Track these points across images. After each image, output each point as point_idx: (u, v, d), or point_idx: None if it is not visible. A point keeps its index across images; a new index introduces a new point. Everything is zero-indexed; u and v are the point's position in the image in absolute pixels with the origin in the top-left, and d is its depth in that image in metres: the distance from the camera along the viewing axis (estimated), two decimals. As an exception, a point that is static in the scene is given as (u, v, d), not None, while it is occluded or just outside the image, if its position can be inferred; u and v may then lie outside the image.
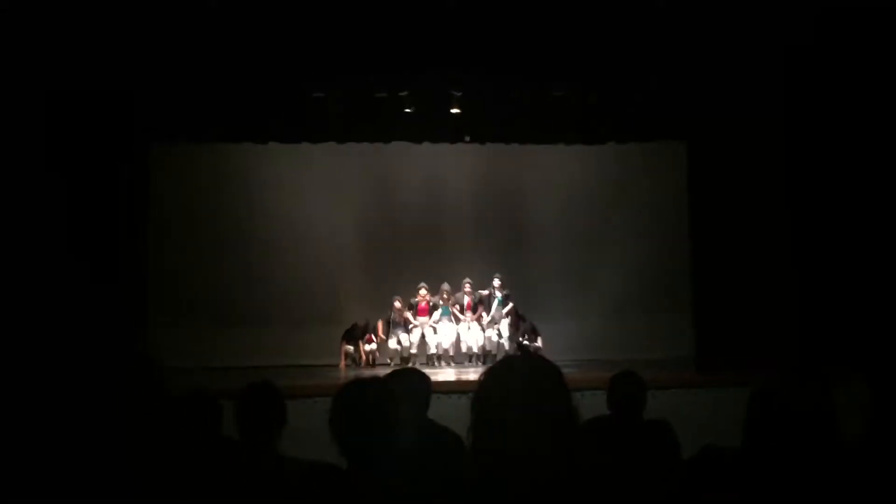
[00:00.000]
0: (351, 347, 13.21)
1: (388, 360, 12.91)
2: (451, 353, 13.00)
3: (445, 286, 13.10)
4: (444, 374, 11.72)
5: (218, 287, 13.95)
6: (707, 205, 12.35)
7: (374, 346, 13.08)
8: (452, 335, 12.91)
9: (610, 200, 14.77)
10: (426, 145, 12.92)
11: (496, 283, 13.16)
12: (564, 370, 2.10)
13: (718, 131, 11.92)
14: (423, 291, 12.98)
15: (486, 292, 13.14)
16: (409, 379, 4.09)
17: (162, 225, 13.18)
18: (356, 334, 13.24)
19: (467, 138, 12.76)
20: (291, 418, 3.34)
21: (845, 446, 2.46)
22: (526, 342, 12.93)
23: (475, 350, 12.92)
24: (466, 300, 12.99)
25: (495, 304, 13.04)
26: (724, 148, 11.99)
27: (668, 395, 8.90)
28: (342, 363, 13.08)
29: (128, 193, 11.38)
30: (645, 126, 12.37)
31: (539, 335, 13.16)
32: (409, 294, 13.37)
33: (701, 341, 12.28)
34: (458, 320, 12.93)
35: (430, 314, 12.92)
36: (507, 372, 1.99)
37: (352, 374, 11.71)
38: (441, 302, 13.01)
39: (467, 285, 13.12)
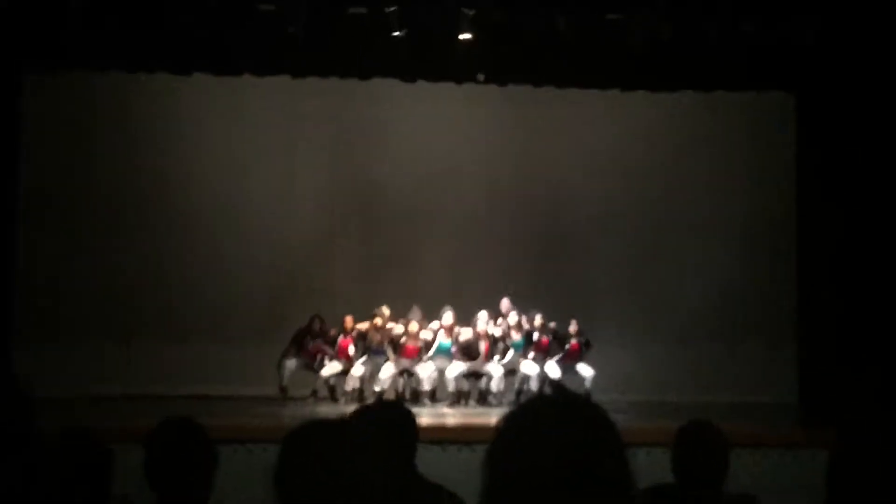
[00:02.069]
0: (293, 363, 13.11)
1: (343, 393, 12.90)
2: (463, 388, 12.95)
3: (448, 315, 12.91)
4: (443, 417, 11.75)
5: (113, 286, 13.96)
6: (824, 186, 12.38)
7: (336, 365, 12.96)
8: (458, 367, 12.87)
9: (685, 176, 14.78)
10: (421, 85, 12.91)
11: (512, 320, 13.03)
12: (616, 416, 2.12)
13: (842, 80, 11.94)
14: (413, 325, 12.81)
15: (499, 333, 13.08)
16: (387, 418, 4.11)
17: (35, 196, 13.18)
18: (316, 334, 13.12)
19: (481, 77, 12.76)
20: (220, 472, 3.36)
21: None
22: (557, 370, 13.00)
23: (494, 388, 12.91)
24: (483, 346, 12.87)
25: (510, 353, 12.98)
26: (849, 104, 12.01)
27: (758, 456, 8.94)
28: (282, 382, 12.99)
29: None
30: (737, 69, 12.38)
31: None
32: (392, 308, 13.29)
33: (807, 384, 12.32)
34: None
35: (420, 356, 12.85)
36: (536, 417, 1.99)
37: (305, 409, 11.74)
38: (438, 335, 12.93)
39: (481, 321, 12.98)
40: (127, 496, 3.33)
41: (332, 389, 13.09)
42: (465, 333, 12.99)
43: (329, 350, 13.10)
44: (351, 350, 13.03)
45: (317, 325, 13.21)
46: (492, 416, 11.03)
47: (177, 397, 12.39)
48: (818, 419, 10.91)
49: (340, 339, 13.09)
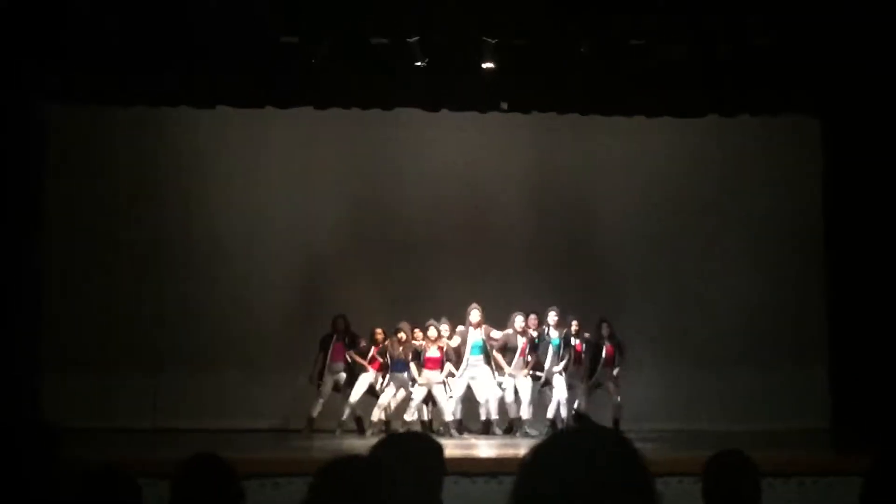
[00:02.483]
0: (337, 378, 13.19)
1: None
2: (492, 417, 12.94)
3: (475, 312, 12.97)
4: (472, 448, 11.72)
5: (135, 316, 14.01)
6: (851, 208, 12.33)
7: (366, 378, 12.96)
8: (489, 390, 12.85)
9: (712, 200, 14.75)
10: (444, 115, 12.97)
11: (551, 319, 13.08)
12: (644, 446, 2.12)
13: (868, 103, 11.91)
14: (432, 332, 12.84)
15: (533, 332, 13.11)
16: (413, 450, 4.09)
17: (58, 227, 13.28)
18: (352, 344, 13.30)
19: (504, 105, 12.80)
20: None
21: None
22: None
23: (524, 415, 12.90)
24: (521, 342, 12.90)
25: (549, 351, 13.00)
26: (875, 127, 11.97)
27: (791, 485, 8.87)
28: (313, 412, 13.09)
29: (14, 183, 11.51)
30: (762, 93, 12.38)
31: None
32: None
33: (840, 409, 12.25)
34: (500, 369, 12.89)
35: (443, 366, 12.86)
36: (561, 451, 2.00)
37: (332, 443, 11.74)
38: (469, 333, 12.89)
39: (519, 319, 13.00)
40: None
41: (360, 420, 13.07)
42: (496, 334, 13.02)
43: (360, 359, 13.13)
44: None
45: (341, 325, 13.25)
46: (520, 448, 10.99)
47: (203, 431, 12.43)
48: (852, 445, 10.84)
49: (374, 349, 13.11)
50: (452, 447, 11.44)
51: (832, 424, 12.31)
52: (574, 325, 13.18)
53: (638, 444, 2.00)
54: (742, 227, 14.69)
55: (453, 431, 12.65)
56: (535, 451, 2.00)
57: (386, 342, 13.00)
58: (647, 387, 13.99)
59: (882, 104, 11.70)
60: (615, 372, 13.34)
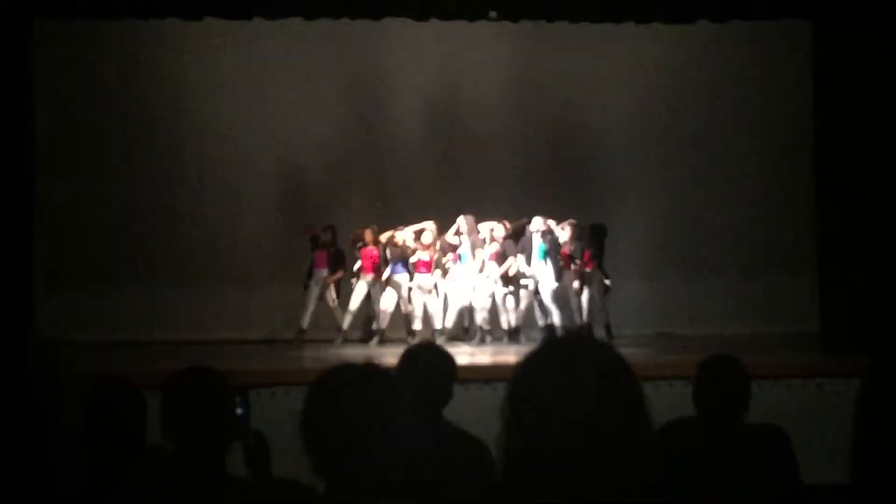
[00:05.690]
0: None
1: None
2: (477, 323, 13.01)
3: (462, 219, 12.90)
4: (463, 354, 11.83)
5: (129, 229, 14.06)
6: (843, 116, 12.31)
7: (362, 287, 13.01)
8: (472, 296, 12.93)
9: (701, 107, 14.73)
10: (434, 24, 12.87)
11: (537, 224, 13.02)
12: (632, 350, 2.18)
13: (860, 6, 11.83)
14: (427, 237, 12.81)
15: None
16: (420, 361, 4.12)
17: (49, 142, 13.24)
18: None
19: (493, 14, 12.70)
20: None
21: None
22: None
23: (512, 323, 12.99)
24: (494, 248, 12.91)
25: (535, 252, 13.02)
26: (869, 32, 11.91)
27: (780, 387, 8.98)
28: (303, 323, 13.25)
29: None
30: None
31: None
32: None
33: (829, 311, 12.35)
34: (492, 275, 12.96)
35: (432, 270, 12.94)
36: (550, 358, 2.04)
37: (330, 352, 11.86)
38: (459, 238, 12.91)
39: (493, 229, 12.99)
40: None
41: (369, 324, 13.19)
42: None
43: (341, 274, 13.24)
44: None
45: (328, 236, 13.32)
46: (513, 355, 11.09)
47: (201, 342, 12.53)
48: (839, 348, 10.96)
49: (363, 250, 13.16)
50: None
51: (821, 328, 12.41)
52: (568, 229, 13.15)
53: (627, 349, 2.07)
54: (732, 134, 14.70)
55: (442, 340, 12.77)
56: (528, 359, 2.05)
57: (381, 238, 12.98)
58: (634, 293, 14.12)
59: (875, 7, 11.62)
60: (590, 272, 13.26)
